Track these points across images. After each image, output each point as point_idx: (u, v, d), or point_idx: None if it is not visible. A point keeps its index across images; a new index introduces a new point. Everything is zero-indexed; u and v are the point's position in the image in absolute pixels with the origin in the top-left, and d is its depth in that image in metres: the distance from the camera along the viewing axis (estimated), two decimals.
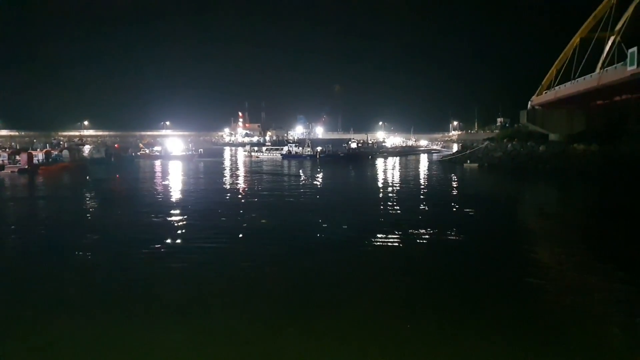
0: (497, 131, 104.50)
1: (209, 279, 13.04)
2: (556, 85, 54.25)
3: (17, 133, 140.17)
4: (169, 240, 17.44)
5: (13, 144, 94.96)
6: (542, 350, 8.87)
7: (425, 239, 17.84)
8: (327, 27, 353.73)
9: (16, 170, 47.01)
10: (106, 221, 21.86)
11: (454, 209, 25.87)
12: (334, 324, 9.94)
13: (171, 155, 70.78)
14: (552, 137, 56.22)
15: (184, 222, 21.01)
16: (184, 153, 73.55)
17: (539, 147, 53.43)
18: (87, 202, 29.84)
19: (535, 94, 60.82)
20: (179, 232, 19.13)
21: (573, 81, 48.83)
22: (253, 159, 78.27)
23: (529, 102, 61.96)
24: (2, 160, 49.26)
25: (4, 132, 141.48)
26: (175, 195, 31.87)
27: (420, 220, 21.76)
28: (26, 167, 47.85)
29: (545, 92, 58.16)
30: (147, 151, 77.11)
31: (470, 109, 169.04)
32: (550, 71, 57.97)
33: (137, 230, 19.45)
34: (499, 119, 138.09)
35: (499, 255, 15.76)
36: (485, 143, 65.56)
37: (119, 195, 33.09)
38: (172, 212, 23.72)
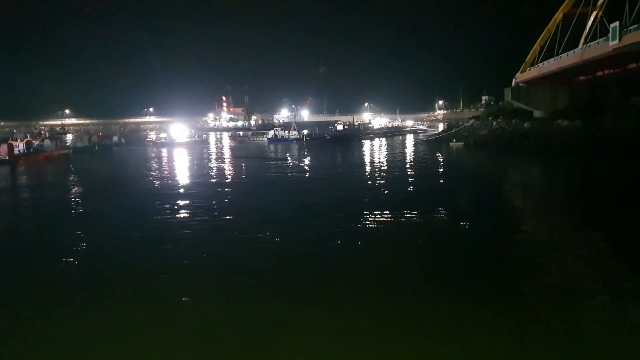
0: (482, 109, 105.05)
1: None
2: (540, 62, 54.42)
3: None
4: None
5: None
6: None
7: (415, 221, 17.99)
8: (310, 8, 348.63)
9: None
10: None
11: (442, 187, 26.13)
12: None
13: (176, 142, 69.62)
14: (537, 113, 56.61)
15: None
16: (189, 139, 72.55)
17: (523, 124, 53.77)
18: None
19: (520, 71, 61.01)
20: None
21: (556, 57, 49.00)
22: (238, 143, 77.70)
23: (513, 80, 62.15)
24: None
25: None
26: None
27: (409, 200, 21.90)
28: (7, 158, 46.77)
29: (529, 69, 58.36)
30: (154, 139, 76.06)
31: (456, 88, 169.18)
32: (533, 48, 58.08)
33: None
34: (483, 97, 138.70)
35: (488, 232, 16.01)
36: (471, 121, 65.79)
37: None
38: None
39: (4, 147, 48.53)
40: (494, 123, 58.65)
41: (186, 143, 69.80)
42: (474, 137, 57.40)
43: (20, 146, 51.02)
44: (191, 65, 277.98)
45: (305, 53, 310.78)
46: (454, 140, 58.84)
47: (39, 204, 25.46)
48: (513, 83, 61.92)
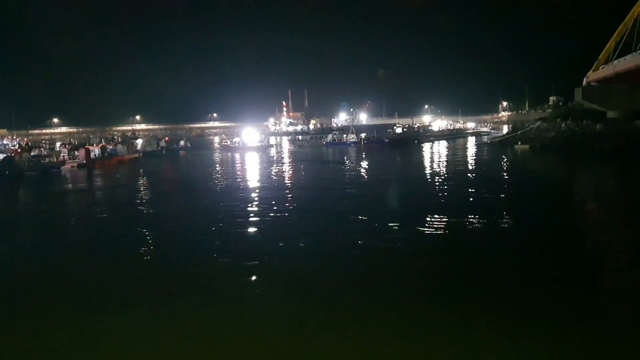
0: (549, 111, 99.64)
1: None
2: (615, 59, 51.01)
3: (75, 130, 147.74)
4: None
5: (72, 140, 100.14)
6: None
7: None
8: (368, 11, 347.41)
9: (76, 165, 49.52)
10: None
11: (508, 194, 25.08)
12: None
13: (247, 147, 71.80)
14: (611, 114, 53.01)
15: None
16: (259, 144, 74.69)
17: (595, 125, 50.60)
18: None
19: (591, 70, 57.53)
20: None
21: (634, 53, 45.78)
22: (297, 147, 78.85)
23: (584, 79, 58.77)
24: (63, 156, 52.07)
25: (64, 129, 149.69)
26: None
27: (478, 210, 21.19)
28: (84, 161, 50.31)
29: (602, 67, 54.85)
30: (228, 143, 79.20)
31: (520, 88, 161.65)
32: (607, 44, 54.51)
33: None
34: (551, 98, 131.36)
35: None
36: (537, 123, 62.78)
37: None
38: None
39: (82, 151, 52.35)
40: (563, 125, 55.65)
41: (257, 147, 71.86)
42: (540, 139, 54.78)
43: (95, 151, 54.75)
44: (252, 71, 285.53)
45: (364, 56, 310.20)
46: (519, 142, 56.41)
47: (122, 201, 27.14)
48: (584, 82, 58.53)
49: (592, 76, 56.97)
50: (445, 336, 8.78)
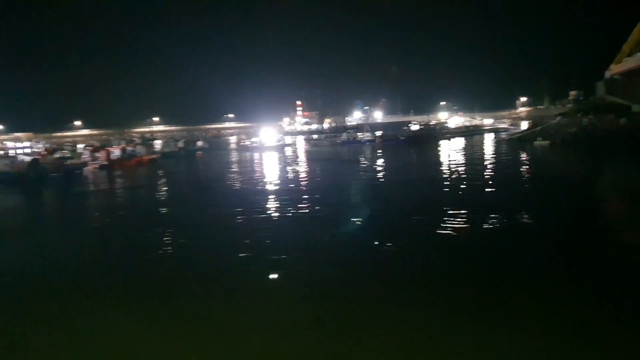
0: (569, 105, 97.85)
1: None
2: (639, 51, 49.86)
3: (95, 132, 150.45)
4: None
5: (93, 142, 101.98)
6: None
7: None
8: (382, 10, 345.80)
9: (97, 166, 50.50)
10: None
11: (531, 191, 24.71)
12: None
13: (265, 146, 72.20)
14: (636, 108, 51.78)
15: None
16: (277, 143, 75.01)
17: (619, 120, 49.53)
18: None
19: (614, 62, 56.35)
20: None
21: None
22: (312, 146, 78.92)
23: (606, 72, 57.61)
24: (85, 158, 53.17)
25: (86, 132, 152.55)
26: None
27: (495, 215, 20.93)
28: (105, 163, 51.28)
29: (626, 60, 53.70)
30: (247, 143, 79.82)
31: (540, 83, 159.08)
32: (631, 35, 53.38)
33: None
34: (571, 92, 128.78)
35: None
36: (557, 118, 61.81)
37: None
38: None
39: (103, 153, 53.56)
40: (585, 119, 54.65)
41: (275, 147, 72.15)
42: (561, 135, 53.83)
43: (116, 152, 55.75)
44: (267, 71, 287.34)
45: (378, 54, 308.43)
46: (539, 138, 55.49)
47: (150, 200, 27.59)
48: (606, 75, 57.36)
49: (614, 69, 55.82)
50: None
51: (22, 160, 45.56)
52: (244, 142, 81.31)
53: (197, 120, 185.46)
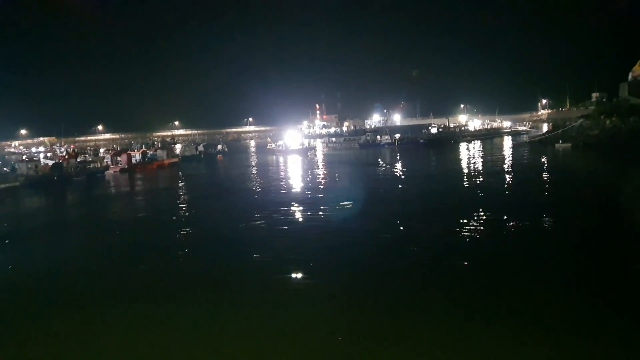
0: (592, 107, 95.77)
1: None
2: None
3: (117, 136, 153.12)
4: None
5: (115, 146, 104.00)
6: None
7: None
8: (401, 12, 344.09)
9: (118, 170, 51.55)
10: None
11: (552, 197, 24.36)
12: None
13: (289, 150, 72.76)
14: None
15: None
16: (300, 147, 75.44)
17: None
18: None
19: (637, 64, 55.19)
20: None
21: None
22: (331, 150, 79.02)
23: (630, 74, 56.41)
24: (107, 162, 54.32)
25: (107, 136, 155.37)
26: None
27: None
28: (126, 166, 52.32)
29: None
30: (273, 146, 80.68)
31: (561, 85, 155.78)
32: None
33: None
34: (594, 94, 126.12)
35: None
36: (579, 121, 60.54)
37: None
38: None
39: (124, 157, 54.61)
40: (608, 122, 53.51)
41: (298, 150, 72.66)
42: (583, 137, 52.85)
43: (137, 156, 56.87)
44: (286, 74, 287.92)
45: (397, 56, 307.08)
46: (560, 141, 54.54)
47: (172, 203, 28.13)
48: (629, 77, 56.16)
49: (638, 70, 54.61)
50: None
51: (46, 164, 46.87)
52: (270, 146, 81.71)
53: (217, 124, 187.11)
